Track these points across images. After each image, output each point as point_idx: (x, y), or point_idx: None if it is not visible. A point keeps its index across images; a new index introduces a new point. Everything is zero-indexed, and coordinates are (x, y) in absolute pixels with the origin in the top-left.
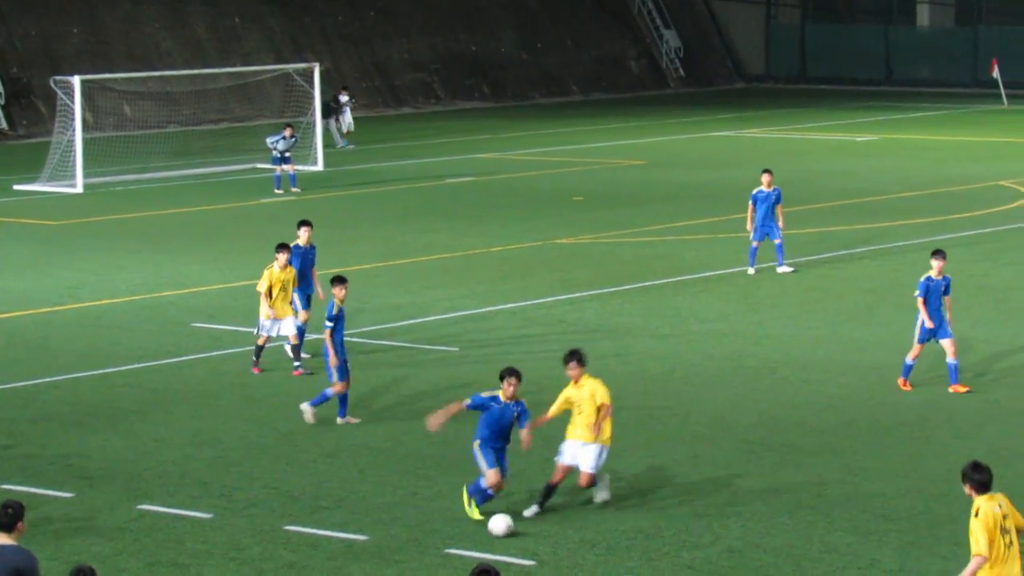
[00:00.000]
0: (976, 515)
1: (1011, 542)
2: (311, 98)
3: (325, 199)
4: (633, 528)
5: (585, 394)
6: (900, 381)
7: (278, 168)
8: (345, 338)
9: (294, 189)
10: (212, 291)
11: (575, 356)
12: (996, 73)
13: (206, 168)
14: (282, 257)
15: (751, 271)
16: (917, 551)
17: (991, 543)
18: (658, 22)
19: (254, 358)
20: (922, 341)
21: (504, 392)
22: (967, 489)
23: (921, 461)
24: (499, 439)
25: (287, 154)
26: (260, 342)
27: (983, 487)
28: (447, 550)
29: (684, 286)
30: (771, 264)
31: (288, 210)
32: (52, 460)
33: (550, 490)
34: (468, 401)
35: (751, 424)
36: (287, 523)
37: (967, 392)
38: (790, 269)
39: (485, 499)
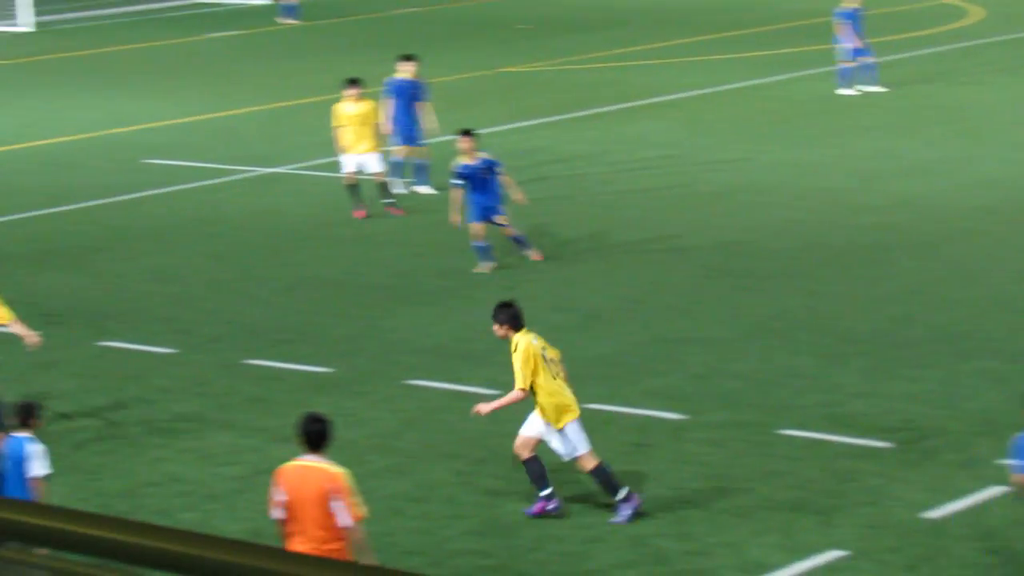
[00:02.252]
0: (515, 351)
1: (557, 373)
2: None
3: (273, 32)
4: (596, 356)
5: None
6: None
7: None
8: (292, 171)
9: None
10: (165, 127)
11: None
12: None
13: (155, 3)
14: (350, 92)
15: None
16: (880, 373)
17: (534, 373)
18: None
19: (352, 200)
20: None
21: None
22: (500, 330)
23: (880, 282)
24: None
25: None
26: (346, 182)
27: (517, 323)
28: (408, 380)
29: (634, 112)
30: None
31: (236, 45)
32: (12, 299)
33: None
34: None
35: (708, 249)
36: (249, 357)
37: None
38: (881, 88)
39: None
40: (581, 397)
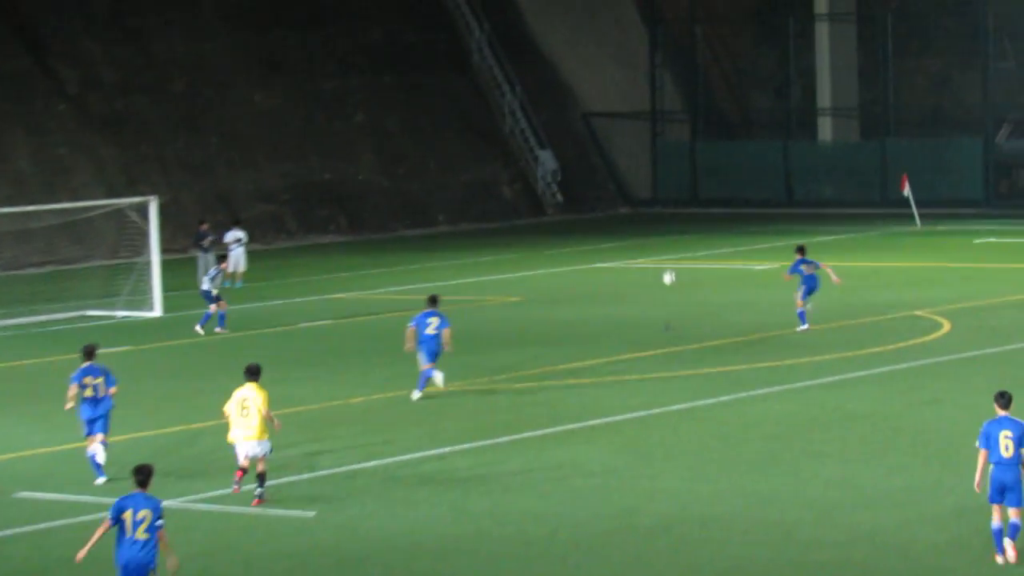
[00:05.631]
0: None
1: None
2: (147, 236)
3: (165, 348)
4: None
5: None
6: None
7: (212, 307)
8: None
9: (218, 329)
10: (38, 455)
11: None
12: (907, 191)
13: (31, 317)
14: None
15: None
16: None
17: None
18: (532, 142)
19: None
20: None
21: None
22: None
23: None
24: None
25: (216, 292)
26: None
27: None
28: None
29: (567, 436)
30: (663, 409)
31: (127, 362)
32: None
33: None
34: None
35: None
36: None
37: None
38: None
39: None
40: None
